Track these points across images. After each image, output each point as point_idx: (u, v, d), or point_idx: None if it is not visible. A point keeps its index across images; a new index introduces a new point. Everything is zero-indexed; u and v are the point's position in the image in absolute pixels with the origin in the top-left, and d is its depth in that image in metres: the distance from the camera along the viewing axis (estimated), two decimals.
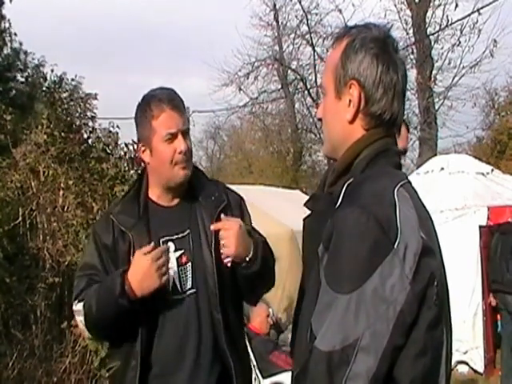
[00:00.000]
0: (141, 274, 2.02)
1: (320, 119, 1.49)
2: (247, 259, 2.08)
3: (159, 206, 2.24)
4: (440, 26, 15.46)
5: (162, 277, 2.03)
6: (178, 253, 2.18)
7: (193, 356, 2.13)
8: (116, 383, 2.23)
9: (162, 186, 2.22)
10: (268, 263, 2.19)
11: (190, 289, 2.16)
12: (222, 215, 2.15)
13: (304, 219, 1.45)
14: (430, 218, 1.38)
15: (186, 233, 2.19)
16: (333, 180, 1.43)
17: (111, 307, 2.07)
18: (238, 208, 2.30)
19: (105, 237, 2.19)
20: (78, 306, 2.17)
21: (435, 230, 1.37)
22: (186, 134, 2.17)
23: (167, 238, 2.18)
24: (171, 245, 2.18)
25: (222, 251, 2.10)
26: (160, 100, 2.14)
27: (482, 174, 7.80)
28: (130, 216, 2.19)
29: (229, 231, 2.07)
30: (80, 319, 2.17)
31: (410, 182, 1.37)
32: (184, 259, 2.18)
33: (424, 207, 1.37)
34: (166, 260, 2.05)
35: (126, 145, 5.96)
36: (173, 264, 2.15)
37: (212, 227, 2.11)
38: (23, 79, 15.16)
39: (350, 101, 1.39)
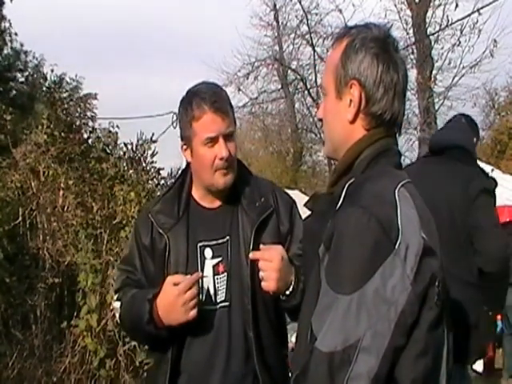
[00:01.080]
0: (167, 306, 1.93)
1: (320, 120, 1.49)
2: (287, 293, 1.95)
3: (201, 206, 2.12)
4: (440, 25, 15.46)
5: (188, 312, 1.91)
6: (216, 260, 2.05)
7: (222, 370, 2.02)
8: (149, 382, 2.22)
9: (203, 188, 2.11)
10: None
11: (222, 301, 2.04)
12: (261, 245, 1.98)
13: (304, 219, 1.45)
14: (432, 219, 1.38)
15: (225, 239, 2.06)
16: (333, 180, 1.43)
17: (140, 330, 2.03)
18: (288, 214, 2.13)
19: (144, 236, 2.10)
20: (115, 304, 2.13)
21: (436, 231, 1.37)
22: (228, 137, 2.03)
23: (205, 243, 2.06)
24: (208, 251, 2.06)
25: (262, 284, 1.94)
26: (202, 99, 2.00)
27: None
28: (168, 216, 2.08)
29: (269, 264, 1.92)
30: (117, 315, 2.14)
31: (411, 182, 1.37)
32: (221, 268, 2.05)
33: (425, 207, 1.37)
34: (195, 293, 1.92)
35: (125, 144, 5.96)
36: (208, 272, 2.04)
37: (250, 256, 1.96)
38: (23, 79, 15.19)
39: (350, 101, 1.39)
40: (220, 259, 2.05)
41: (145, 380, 2.44)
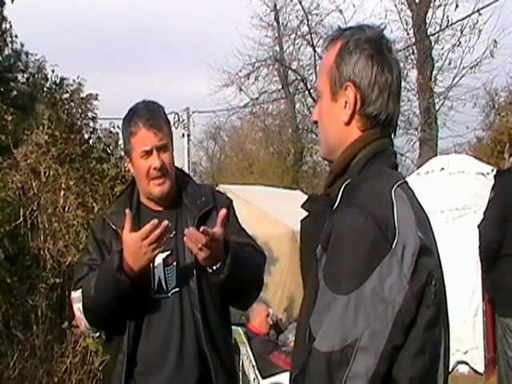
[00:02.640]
0: (131, 254, 2.11)
1: (315, 122, 1.50)
2: (214, 268, 2.13)
3: (149, 209, 2.34)
4: (440, 26, 15.50)
5: (153, 252, 2.11)
6: (165, 254, 2.26)
7: (175, 355, 2.21)
8: (106, 375, 2.40)
9: (145, 195, 2.34)
10: (244, 270, 2.20)
11: (173, 288, 2.25)
12: (202, 227, 2.12)
13: (301, 221, 1.45)
14: (428, 218, 1.39)
15: (171, 235, 2.26)
16: (330, 181, 1.44)
17: (110, 285, 2.16)
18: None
19: (99, 234, 2.32)
20: (76, 293, 2.27)
21: (432, 230, 1.38)
22: (161, 148, 2.26)
23: None
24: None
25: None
26: (138, 117, 2.25)
27: (483, 174, 7.80)
28: (121, 215, 2.26)
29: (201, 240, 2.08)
30: (78, 306, 2.26)
31: (406, 182, 1.38)
32: (170, 260, 2.27)
33: (421, 207, 1.38)
34: (154, 237, 2.09)
35: None
36: (159, 264, 2.25)
37: (186, 231, 2.10)
38: (24, 80, 15.17)
39: (345, 102, 1.40)
40: (169, 252, 2.27)
41: (102, 376, 2.62)
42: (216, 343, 2.25)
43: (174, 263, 2.27)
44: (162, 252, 2.24)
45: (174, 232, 2.28)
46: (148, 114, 2.27)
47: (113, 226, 2.29)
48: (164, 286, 2.25)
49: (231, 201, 2.46)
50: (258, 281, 2.38)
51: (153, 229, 2.10)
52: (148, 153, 2.24)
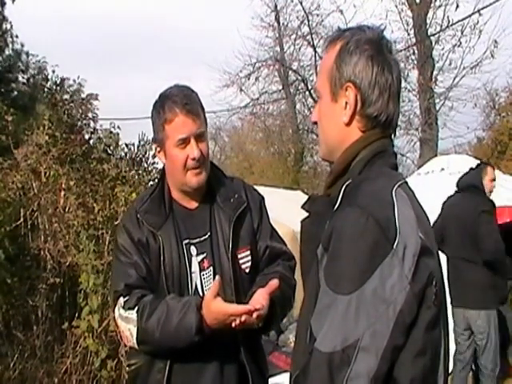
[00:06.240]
0: (214, 320, 1.97)
1: (315, 123, 1.50)
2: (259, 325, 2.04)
3: (182, 207, 2.20)
4: (441, 26, 15.48)
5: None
6: (200, 257, 2.14)
7: (215, 365, 2.10)
8: (138, 381, 2.19)
9: (178, 188, 2.19)
10: (282, 308, 2.13)
11: None
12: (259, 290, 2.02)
13: (302, 221, 1.45)
14: (428, 219, 1.38)
15: (206, 236, 2.16)
16: (330, 182, 1.44)
17: (182, 341, 2.01)
18: (258, 210, 2.26)
19: (137, 233, 2.14)
20: (127, 313, 2.08)
21: (432, 231, 1.38)
22: (199, 137, 2.11)
23: (189, 240, 2.15)
24: (193, 248, 2.15)
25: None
26: (174, 102, 2.08)
27: None
28: (157, 215, 2.14)
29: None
30: (128, 327, 2.08)
31: (406, 183, 1.38)
32: (206, 264, 2.14)
33: (421, 207, 1.38)
34: (243, 320, 1.95)
35: (127, 145, 5.97)
36: (195, 268, 2.13)
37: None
38: (25, 80, 15.20)
39: (346, 103, 1.40)
40: (204, 255, 2.14)
41: (129, 379, 2.47)
42: (253, 349, 2.16)
43: (211, 268, 2.13)
44: (197, 255, 2.13)
45: (208, 233, 2.15)
46: (185, 98, 2.09)
47: (151, 229, 2.12)
48: (200, 292, 2.11)
49: (263, 197, 2.32)
50: (291, 304, 2.25)
51: (245, 311, 1.94)
52: (185, 141, 2.08)
